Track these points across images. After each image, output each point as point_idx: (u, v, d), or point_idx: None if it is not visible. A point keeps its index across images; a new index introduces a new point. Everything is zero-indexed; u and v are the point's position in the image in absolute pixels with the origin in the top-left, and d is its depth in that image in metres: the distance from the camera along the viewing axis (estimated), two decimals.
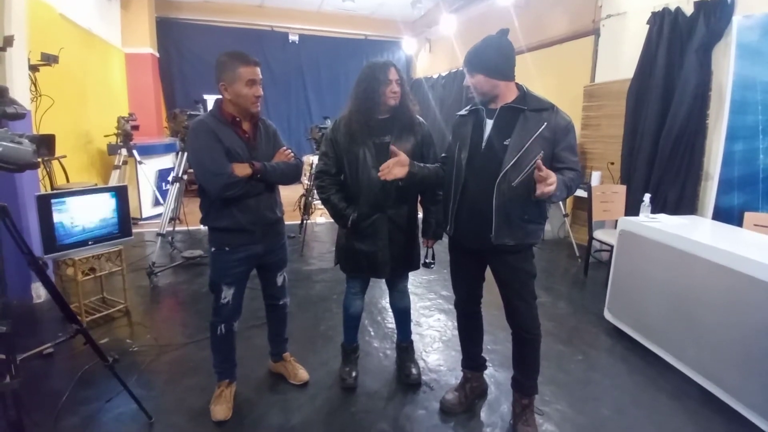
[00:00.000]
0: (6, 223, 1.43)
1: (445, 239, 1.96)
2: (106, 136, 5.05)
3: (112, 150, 4.97)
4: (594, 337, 2.75)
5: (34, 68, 3.27)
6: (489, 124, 1.71)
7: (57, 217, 2.55)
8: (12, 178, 2.77)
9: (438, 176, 1.89)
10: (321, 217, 5.70)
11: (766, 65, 2.97)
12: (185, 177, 3.92)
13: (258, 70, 1.80)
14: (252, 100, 1.80)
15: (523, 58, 4.80)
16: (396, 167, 1.74)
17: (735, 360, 2.00)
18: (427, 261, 2.13)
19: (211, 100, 6.44)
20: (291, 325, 2.32)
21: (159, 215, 4.57)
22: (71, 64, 4.29)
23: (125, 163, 4.94)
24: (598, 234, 3.62)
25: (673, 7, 3.57)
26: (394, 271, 2.06)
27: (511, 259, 1.75)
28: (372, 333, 2.74)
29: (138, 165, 5.07)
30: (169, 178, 4.11)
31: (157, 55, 7.29)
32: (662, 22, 3.63)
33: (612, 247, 3.00)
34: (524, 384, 1.89)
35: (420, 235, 2.12)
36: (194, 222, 3.49)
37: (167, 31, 7.58)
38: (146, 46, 6.82)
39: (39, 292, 3.02)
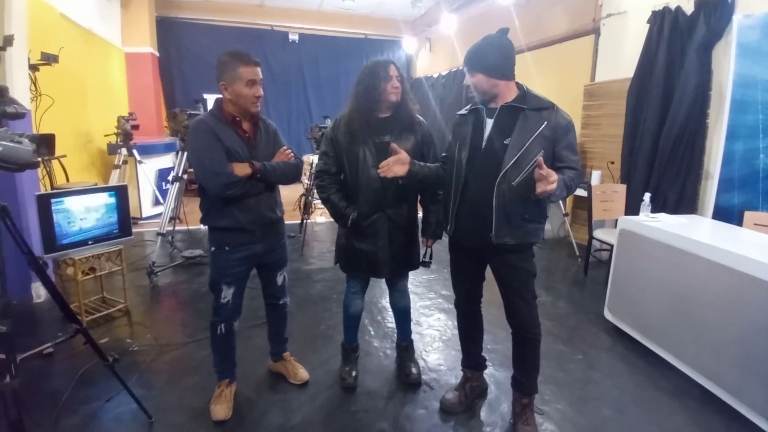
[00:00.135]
0: (6, 222, 1.43)
1: (445, 238, 1.96)
2: (106, 135, 5.05)
3: (112, 149, 4.96)
4: (594, 336, 2.75)
5: (34, 68, 3.27)
6: (489, 123, 1.71)
7: (57, 217, 2.55)
8: (12, 177, 2.77)
9: (438, 176, 1.88)
10: (321, 216, 5.69)
11: (767, 64, 2.97)
12: (185, 176, 3.92)
13: (258, 70, 1.79)
14: (252, 100, 1.80)
15: (523, 57, 4.80)
16: (396, 165, 1.74)
17: (735, 359, 2.00)
18: (424, 260, 2.13)
19: (211, 99, 6.42)
20: (291, 324, 2.32)
21: (159, 215, 4.57)
22: (71, 63, 4.28)
23: (125, 162, 4.94)
24: (598, 233, 3.62)
25: (673, 7, 3.57)
26: (393, 271, 2.06)
27: (511, 259, 1.75)
28: (372, 332, 2.74)
29: (138, 164, 5.06)
30: (169, 178, 4.12)
31: (157, 54, 7.30)
32: (662, 22, 3.62)
33: (612, 246, 3.00)
34: (524, 383, 1.89)
35: (420, 234, 2.12)
36: (194, 221, 3.51)
37: (167, 30, 7.58)
38: (146, 46, 6.82)
39: (39, 292, 3.02)
